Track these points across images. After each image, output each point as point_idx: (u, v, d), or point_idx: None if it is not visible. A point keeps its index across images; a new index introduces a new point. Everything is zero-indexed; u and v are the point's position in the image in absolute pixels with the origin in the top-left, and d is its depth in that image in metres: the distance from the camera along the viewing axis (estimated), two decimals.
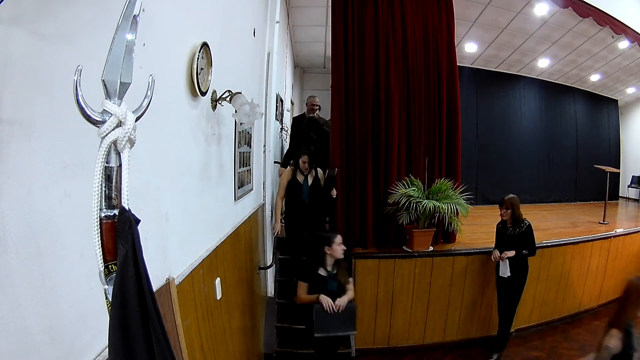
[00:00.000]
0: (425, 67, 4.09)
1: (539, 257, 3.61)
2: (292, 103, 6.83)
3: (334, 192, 3.57)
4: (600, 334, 2.23)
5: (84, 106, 0.58)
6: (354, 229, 3.94)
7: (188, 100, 1.62)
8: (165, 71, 1.40)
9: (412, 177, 3.85)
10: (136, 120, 0.64)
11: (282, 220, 3.70)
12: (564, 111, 8.22)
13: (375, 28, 3.89)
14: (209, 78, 1.76)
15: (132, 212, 0.63)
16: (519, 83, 7.77)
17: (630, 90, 8.38)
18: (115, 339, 0.60)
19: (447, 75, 4.18)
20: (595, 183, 7.37)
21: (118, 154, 0.63)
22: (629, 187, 8.85)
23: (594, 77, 7.76)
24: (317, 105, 4.59)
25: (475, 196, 4.96)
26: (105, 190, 0.62)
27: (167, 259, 1.42)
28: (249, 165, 2.92)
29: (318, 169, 3.55)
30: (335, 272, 2.68)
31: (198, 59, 1.60)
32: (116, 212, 0.62)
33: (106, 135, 0.61)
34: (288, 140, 5.18)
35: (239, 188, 2.54)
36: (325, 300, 2.53)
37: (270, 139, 3.81)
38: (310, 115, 4.40)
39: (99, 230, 0.61)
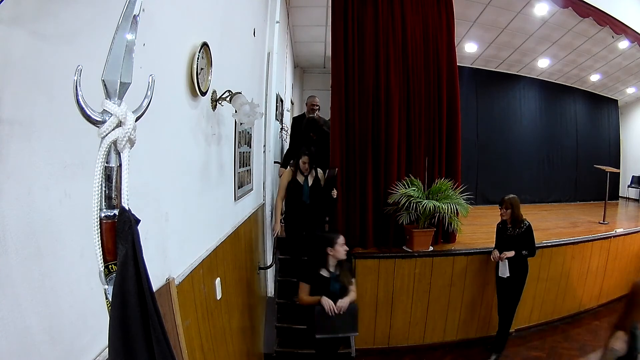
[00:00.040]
0: (425, 67, 4.09)
1: (539, 257, 3.61)
2: (292, 103, 6.83)
3: (335, 193, 3.57)
4: (601, 334, 2.24)
5: (84, 106, 0.58)
6: (354, 229, 3.94)
7: (188, 100, 1.62)
8: (165, 71, 1.40)
9: (412, 177, 3.85)
10: (136, 120, 0.64)
11: (282, 221, 3.70)
12: (564, 111, 8.22)
13: (375, 28, 3.89)
14: (209, 78, 1.76)
15: (132, 212, 0.63)
16: (519, 83, 7.77)
17: (630, 90, 8.38)
18: (115, 339, 0.60)
19: (447, 75, 4.18)
20: (595, 183, 7.37)
21: (118, 154, 0.63)
22: (629, 187, 8.85)
23: (594, 77, 7.76)
24: (317, 105, 4.59)
25: (475, 196, 4.97)
26: (105, 190, 0.62)
27: (167, 259, 1.42)
28: (249, 165, 2.92)
29: (318, 169, 3.55)
30: (337, 273, 2.66)
31: (198, 59, 1.60)
32: (116, 212, 0.62)
33: (106, 135, 0.61)
34: (288, 140, 5.18)
35: (239, 188, 2.53)
36: (327, 302, 2.50)
37: (270, 139, 3.81)
38: (310, 115, 4.40)
39: (99, 230, 0.61)
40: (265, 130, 3.66)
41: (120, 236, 0.61)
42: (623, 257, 4.79)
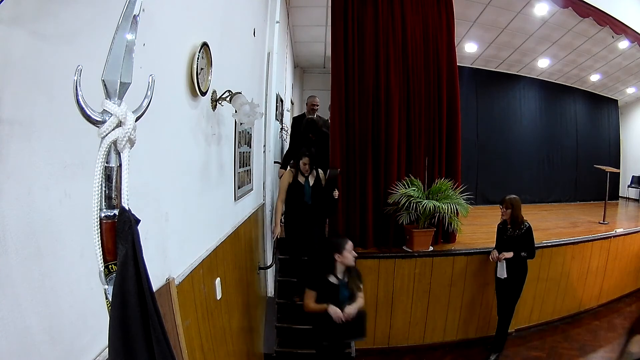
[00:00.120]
0: (425, 67, 4.09)
1: (539, 257, 3.61)
2: (292, 103, 6.83)
3: (336, 193, 3.57)
4: (601, 334, 2.23)
5: (84, 106, 0.58)
6: (354, 229, 3.94)
7: (188, 100, 1.62)
8: (165, 71, 1.40)
9: (412, 177, 3.85)
10: (136, 120, 0.64)
11: (282, 221, 3.69)
12: (564, 111, 8.22)
13: (375, 28, 3.89)
14: (209, 78, 1.76)
15: (132, 212, 0.63)
16: (519, 83, 7.77)
17: (630, 90, 8.38)
18: (115, 339, 0.60)
19: (447, 75, 4.18)
20: (595, 183, 7.37)
21: (118, 154, 0.63)
22: (629, 187, 8.85)
23: (594, 77, 7.76)
24: (317, 105, 4.59)
25: (475, 196, 4.97)
26: (105, 190, 0.62)
27: (167, 259, 1.42)
28: (249, 165, 2.92)
29: (319, 169, 3.55)
30: (346, 280, 2.54)
31: (198, 59, 1.60)
32: (116, 212, 0.62)
33: (106, 135, 0.61)
34: (288, 140, 5.18)
35: (239, 188, 2.53)
36: (335, 312, 2.38)
37: (270, 139, 3.81)
38: (309, 116, 4.39)
39: (99, 230, 0.61)
40: (265, 130, 3.66)
41: (120, 236, 0.61)
42: (623, 257, 4.79)
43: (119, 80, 0.61)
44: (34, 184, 0.76)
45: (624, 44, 6.10)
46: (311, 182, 3.45)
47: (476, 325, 4.00)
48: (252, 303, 3.06)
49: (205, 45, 1.67)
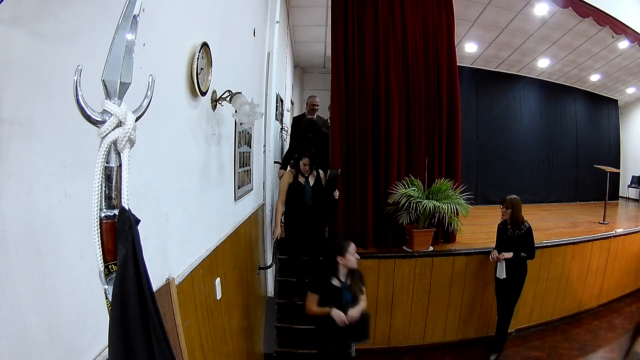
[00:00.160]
0: (425, 67, 4.09)
1: (539, 257, 3.61)
2: (292, 103, 6.83)
3: (337, 193, 3.56)
4: (601, 334, 2.22)
5: (84, 106, 0.58)
6: (354, 229, 3.94)
7: (188, 100, 1.62)
8: (165, 71, 1.40)
9: (412, 177, 3.85)
10: (136, 120, 0.64)
11: (282, 221, 3.69)
12: (564, 111, 8.22)
13: (375, 28, 3.89)
14: (209, 78, 1.76)
15: (132, 212, 0.63)
16: (519, 83, 7.77)
17: (630, 90, 8.38)
18: (115, 339, 0.60)
19: (447, 75, 4.18)
20: (595, 183, 7.37)
21: (118, 154, 0.63)
22: (629, 187, 8.85)
23: (594, 77, 7.76)
24: (317, 105, 4.59)
25: (475, 196, 4.97)
26: (105, 190, 0.62)
27: (167, 259, 1.42)
28: (249, 165, 2.92)
29: (319, 170, 3.55)
30: (349, 282, 2.52)
31: (198, 59, 1.60)
32: (116, 212, 0.62)
33: (106, 135, 0.61)
34: (288, 140, 5.18)
35: (239, 188, 2.53)
36: (338, 315, 2.36)
37: (270, 139, 3.81)
38: (309, 117, 4.38)
39: (99, 230, 0.61)
40: (265, 130, 3.66)
41: (120, 236, 0.61)
42: (623, 257, 4.79)
43: (119, 80, 0.61)
44: (34, 184, 0.76)
45: (624, 44, 6.10)
46: (311, 182, 3.45)
47: (476, 325, 4.00)
48: (252, 303, 3.06)
49: (205, 45, 1.67)
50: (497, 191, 6.32)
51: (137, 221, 0.63)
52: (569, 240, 4.33)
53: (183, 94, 1.57)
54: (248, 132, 2.79)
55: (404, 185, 3.77)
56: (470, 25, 5.79)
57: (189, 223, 1.67)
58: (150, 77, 0.69)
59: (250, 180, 2.96)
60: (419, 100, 4.05)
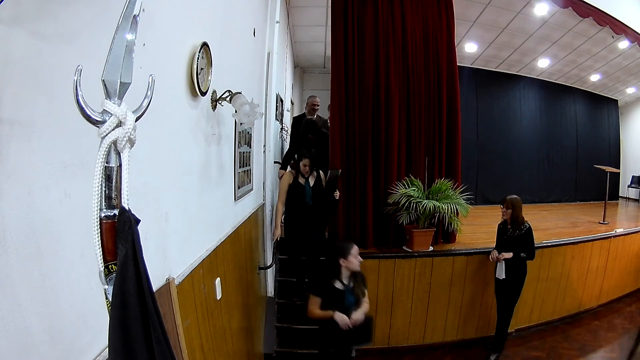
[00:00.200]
0: (425, 67, 4.09)
1: (539, 257, 3.61)
2: (292, 103, 6.83)
3: (337, 194, 3.56)
4: (601, 334, 2.22)
5: (84, 106, 0.58)
6: (354, 229, 3.94)
7: (188, 100, 1.62)
8: (165, 71, 1.40)
9: (412, 177, 3.85)
10: (136, 120, 0.64)
11: (282, 222, 3.69)
12: (564, 111, 8.23)
13: (375, 28, 3.89)
14: (209, 78, 1.76)
15: (132, 212, 0.63)
16: (519, 83, 7.77)
17: (630, 90, 8.38)
18: (115, 339, 0.60)
19: (447, 75, 4.18)
20: (595, 183, 7.37)
21: (118, 154, 0.63)
22: (629, 187, 8.86)
23: (594, 77, 7.76)
24: (317, 105, 4.59)
25: (475, 196, 4.97)
26: (105, 190, 0.62)
27: (167, 259, 1.42)
28: (249, 165, 2.92)
29: (319, 170, 3.54)
30: (352, 285, 2.49)
31: (198, 59, 1.60)
32: (116, 212, 0.62)
33: (106, 135, 0.61)
34: (288, 140, 5.18)
35: (239, 188, 2.53)
36: (342, 318, 2.33)
37: (270, 139, 3.81)
38: (309, 117, 4.37)
39: (99, 230, 0.61)
40: (265, 130, 3.66)
41: (120, 236, 0.61)
42: (623, 257, 4.80)
43: (119, 80, 0.61)
44: (34, 184, 0.76)
45: (624, 44, 6.10)
46: (311, 183, 3.44)
47: (476, 325, 4.00)
48: (252, 303, 3.06)
49: (205, 45, 1.67)
50: (497, 191, 6.33)
51: (137, 221, 0.63)
52: (569, 240, 4.33)
53: (183, 94, 1.57)
54: (248, 132, 2.79)
55: (404, 185, 3.78)
56: (470, 25, 5.79)
57: (189, 223, 1.67)
58: (150, 77, 0.69)
59: (250, 180, 2.96)
60: (419, 100, 4.05)
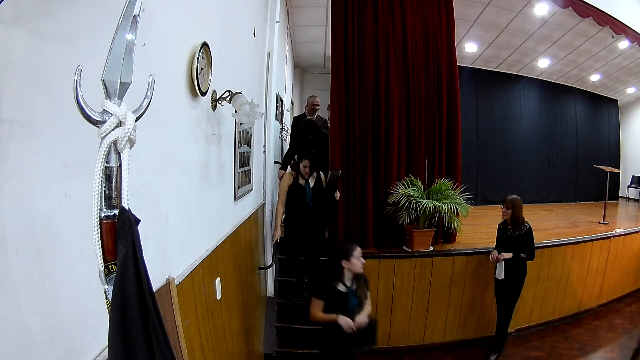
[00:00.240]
0: (425, 67, 4.09)
1: (539, 257, 3.60)
2: (292, 103, 6.83)
3: (338, 194, 3.55)
4: (601, 334, 2.22)
5: (84, 106, 0.58)
6: (354, 229, 3.94)
7: (188, 100, 1.62)
8: (165, 71, 1.40)
9: (412, 177, 3.85)
10: (136, 120, 0.64)
11: (282, 222, 3.69)
12: (564, 111, 8.23)
13: (375, 28, 3.89)
14: (209, 78, 1.76)
15: (132, 212, 0.63)
16: (519, 83, 7.77)
17: (630, 90, 8.38)
18: (115, 339, 0.60)
19: (447, 75, 4.18)
20: (595, 183, 7.37)
21: (118, 154, 0.63)
22: (629, 187, 8.86)
23: (594, 77, 7.76)
24: (318, 105, 4.59)
25: (475, 196, 4.97)
26: (105, 190, 0.62)
27: (167, 259, 1.42)
28: (249, 165, 2.92)
29: (320, 171, 3.54)
30: (354, 287, 2.44)
31: (198, 59, 1.60)
32: (116, 212, 0.62)
33: (106, 135, 0.61)
34: (288, 140, 5.18)
35: (239, 188, 2.53)
36: (346, 322, 2.28)
37: (270, 139, 3.81)
38: (308, 117, 4.37)
39: (99, 230, 0.61)
40: (265, 130, 3.66)
41: (120, 236, 0.61)
42: (623, 257, 4.80)
43: (119, 80, 0.61)
44: (34, 184, 0.76)
45: (624, 44, 6.10)
46: (311, 184, 3.43)
47: (476, 325, 4.00)
48: (252, 303, 3.06)
49: (205, 45, 1.67)
50: (497, 191, 6.33)
51: (137, 221, 0.63)
52: (569, 240, 4.33)
53: (183, 94, 1.57)
54: (248, 132, 2.79)
55: (404, 185, 3.77)
56: (470, 25, 5.79)
57: (189, 223, 1.67)
58: (150, 77, 0.69)
59: (250, 180, 2.96)
60: (419, 100, 4.05)
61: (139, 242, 0.63)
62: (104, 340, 0.73)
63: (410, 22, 4.00)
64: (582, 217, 6.06)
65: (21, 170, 0.72)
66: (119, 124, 0.61)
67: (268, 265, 3.62)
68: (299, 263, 3.65)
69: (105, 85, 0.60)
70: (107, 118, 0.60)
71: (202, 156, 1.84)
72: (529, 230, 3.36)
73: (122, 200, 0.63)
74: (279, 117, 4.88)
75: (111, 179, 0.62)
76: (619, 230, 4.83)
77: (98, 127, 0.60)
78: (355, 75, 3.88)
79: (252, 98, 2.14)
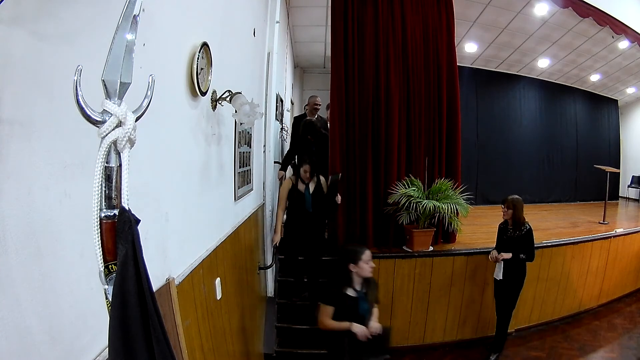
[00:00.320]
0: (425, 67, 4.09)
1: (539, 257, 3.60)
2: (292, 103, 6.83)
3: (339, 198, 3.55)
4: (601, 334, 2.22)
5: (84, 106, 0.58)
6: (354, 229, 3.94)
7: (188, 100, 1.62)
8: (165, 71, 1.40)
9: (412, 177, 3.85)
10: (136, 120, 0.64)
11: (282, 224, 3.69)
12: (564, 111, 8.23)
13: (375, 28, 3.89)
14: (209, 78, 1.76)
15: (132, 212, 0.63)
16: (519, 83, 7.77)
17: (630, 90, 8.38)
18: (115, 339, 0.60)
19: (447, 75, 4.18)
20: (595, 183, 7.38)
21: (118, 154, 0.63)
22: (629, 187, 8.86)
23: (594, 77, 7.76)
24: (319, 105, 4.59)
25: (475, 196, 4.97)
26: (105, 190, 0.62)
27: (167, 259, 1.42)
28: (249, 165, 2.92)
29: (320, 175, 3.53)
30: (365, 291, 2.33)
31: (198, 59, 1.60)
32: (116, 212, 0.62)
33: (106, 135, 0.61)
34: (288, 140, 5.18)
35: (239, 188, 2.53)
36: (360, 330, 2.17)
37: (270, 139, 3.81)
38: (308, 118, 4.37)
39: (99, 230, 0.61)
40: (265, 130, 3.66)
41: (120, 236, 0.61)
42: (623, 257, 4.80)
43: (119, 80, 0.61)
44: (34, 184, 0.76)
45: (624, 44, 6.10)
46: (311, 189, 3.43)
47: (476, 325, 4.00)
48: (252, 303, 3.06)
49: (205, 45, 1.67)
50: (497, 191, 6.33)
51: (137, 221, 0.63)
52: (569, 240, 4.33)
53: (183, 94, 1.57)
54: (248, 132, 2.79)
55: (404, 185, 3.77)
56: (470, 25, 5.79)
57: (189, 223, 1.67)
58: (150, 77, 0.69)
59: (250, 180, 2.96)
60: (419, 100, 4.05)
61: (139, 242, 0.63)
62: (104, 340, 0.73)
63: (410, 22, 4.00)
64: (582, 217, 6.06)
65: (21, 170, 0.72)
66: (119, 124, 0.61)
67: (268, 265, 3.62)
68: (299, 263, 3.65)
69: (105, 85, 0.60)
70: (107, 118, 0.60)
71: (202, 156, 1.84)
72: (530, 231, 3.36)
73: (122, 200, 0.63)
74: (279, 117, 4.88)
75: (111, 179, 0.62)
76: (619, 230, 4.83)
77: (98, 127, 0.60)
78: (355, 75, 3.88)
79: (252, 98, 2.14)
